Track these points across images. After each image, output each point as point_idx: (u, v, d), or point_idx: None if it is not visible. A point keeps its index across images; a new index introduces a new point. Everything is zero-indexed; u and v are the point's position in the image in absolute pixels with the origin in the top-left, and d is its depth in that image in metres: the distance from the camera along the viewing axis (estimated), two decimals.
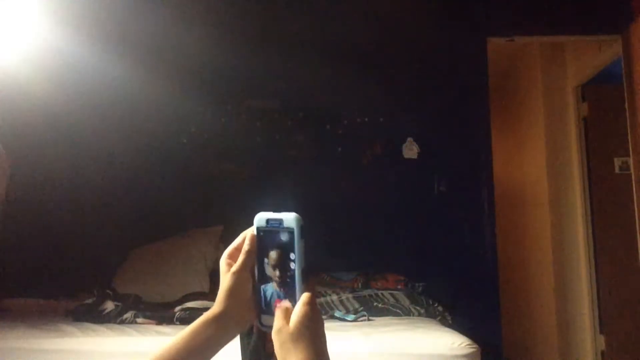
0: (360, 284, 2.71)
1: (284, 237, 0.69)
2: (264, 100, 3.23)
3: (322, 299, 2.54)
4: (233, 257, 0.73)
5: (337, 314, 2.37)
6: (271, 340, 0.67)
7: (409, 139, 3.13)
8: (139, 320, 2.22)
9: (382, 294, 2.61)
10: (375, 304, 2.53)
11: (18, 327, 1.99)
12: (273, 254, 0.70)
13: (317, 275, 2.74)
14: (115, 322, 2.19)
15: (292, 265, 0.68)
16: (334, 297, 2.57)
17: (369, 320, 2.31)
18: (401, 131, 3.15)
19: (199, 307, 2.33)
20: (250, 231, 0.73)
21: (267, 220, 0.71)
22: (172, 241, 2.88)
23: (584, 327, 3.07)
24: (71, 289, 2.76)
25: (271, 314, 0.69)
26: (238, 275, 0.71)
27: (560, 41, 3.30)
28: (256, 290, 0.72)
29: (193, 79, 3.14)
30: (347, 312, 2.43)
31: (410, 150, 3.12)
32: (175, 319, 2.23)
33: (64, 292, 2.75)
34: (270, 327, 0.68)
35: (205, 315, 0.71)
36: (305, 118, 3.19)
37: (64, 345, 1.86)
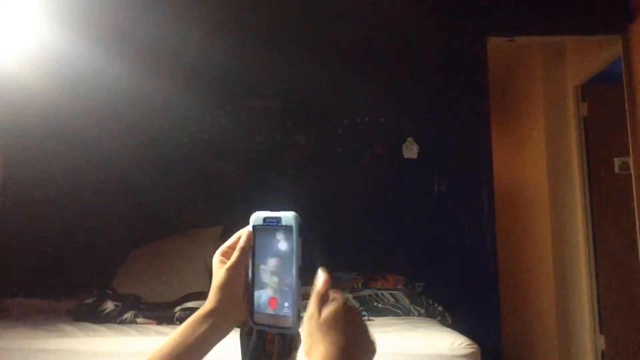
0: (360, 284, 2.71)
1: (281, 240, 0.69)
2: (264, 100, 3.23)
3: None
4: (226, 255, 0.73)
5: None
6: (270, 341, 0.67)
7: (409, 139, 3.13)
8: (139, 320, 2.22)
9: (382, 294, 2.60)
10: (375, 304, 2.52)
11: (18, 327, 2.00)
12: (272, 262, 0.70)
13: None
14: (115, 322, 2.19)
15: (291, 270, 0.68)
16: None
17: (369, 320, 2.31)
18: (401, 131, 3.15)
19: (199, 307, 2.32)
20: (246, 230, 0.73)
21: (264, 219, 0.71)
22: (172, 241, 2.88)
23: (584, 327, 3.06)
24: (71, 289, 2.76)
25: (266, 311, 0.69)
26: (231, 272, 0.71)
27: (561, 41, 3.30)
28: (249, 292, 0.71)
29: (193, 78, 3.14)
30: None
31: (410, 150, 3.12)
32: (175, 319, 2.23)
33: (64, 292, 2.75)
34: (264, 326, 0.68)
35: (198, 312, 0.71)
36: (305, 118, 3.19)
37: (64, 345, 1.86)
